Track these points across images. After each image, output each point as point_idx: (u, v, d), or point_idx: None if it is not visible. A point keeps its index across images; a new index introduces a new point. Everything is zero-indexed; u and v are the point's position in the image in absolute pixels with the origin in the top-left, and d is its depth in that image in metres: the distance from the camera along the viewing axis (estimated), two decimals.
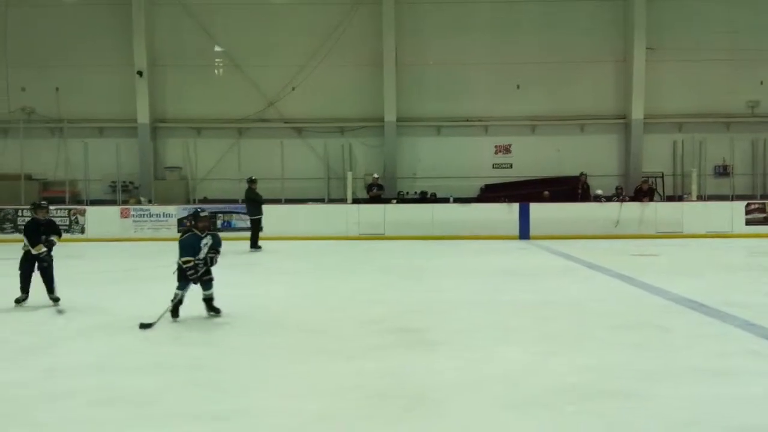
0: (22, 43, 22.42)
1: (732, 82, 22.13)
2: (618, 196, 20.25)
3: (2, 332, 7.15)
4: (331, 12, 22.38)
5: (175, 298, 7.50)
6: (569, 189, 20.77)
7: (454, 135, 22.66)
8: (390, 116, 22.19)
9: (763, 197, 21.38)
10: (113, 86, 22.57)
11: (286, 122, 22.82)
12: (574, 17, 22.45)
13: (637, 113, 22.01)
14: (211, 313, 7.74)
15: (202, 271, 7.57)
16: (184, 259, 7.49)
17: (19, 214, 19.59)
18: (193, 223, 7.78)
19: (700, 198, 20.69)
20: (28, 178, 21.81)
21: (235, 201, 20.66)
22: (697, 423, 4.26)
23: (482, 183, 22.22)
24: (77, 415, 4.49)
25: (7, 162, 21.99)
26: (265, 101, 22.69)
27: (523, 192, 20.92)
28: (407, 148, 22.74)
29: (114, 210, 20.49)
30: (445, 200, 21.00)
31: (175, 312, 7.54)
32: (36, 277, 8.50)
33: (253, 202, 17.10)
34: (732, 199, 20.70)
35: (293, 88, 22.47)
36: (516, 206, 19.78)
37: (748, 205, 19.98)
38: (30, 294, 8.49)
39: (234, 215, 20.28)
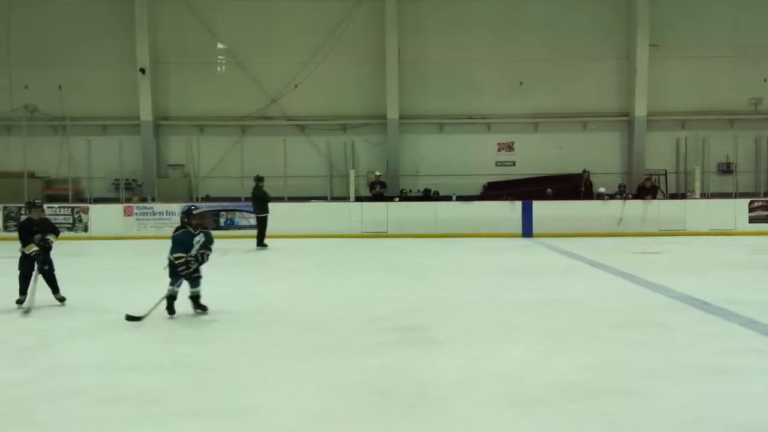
0: (24, 41, 22.48)
1: (735, 79, 22.12)
2: (621, 193, 20.22)
3: (3, 331, 7.14)
4: (333, 9, 22.40)
5: (168, 294, 7.53)
6: (572, 187, 20.78)
7: (457, 132, 22.67)
8: (393, 114, 22.21)
9: (766, 194, 21.36)
10: (116, 84, 22.63)
11: (288, 120, 22.84)
12: (577, 14, 22.47)
13: (641, 110, 22.00)
14: (198, 310, 7.76)
15: (193, 268, 7.58)
16: (176, 255, 7.50)
17: (23, 212, 19.59)
18: (186, 220, 7.77)
19: (703, 195, 20.69)
20: (32, 176, 21.87)
21: (237, 199, 20.70)
22: (700, 421, 4.25)
23: (485, 181, 22.22)
24: (79, 413, 4.48)
25: (10, 160, 22.06)
26: (267, 99, 22.71)
27: (526, 190, 20.94)
28: (410, 145, 22.74)
29: (117, 208, 20.53)
30: (448, 198, 21.00)
31: (170, 309, 7.56)
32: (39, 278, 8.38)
33: (260, 200, 17.11)
34: (735, 197, 20.69)
35: (296, 86, 22.51)
36: (519, 204, 19.79)
37: (751, 202, 19.98)
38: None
39: (237, 213, 20.30)
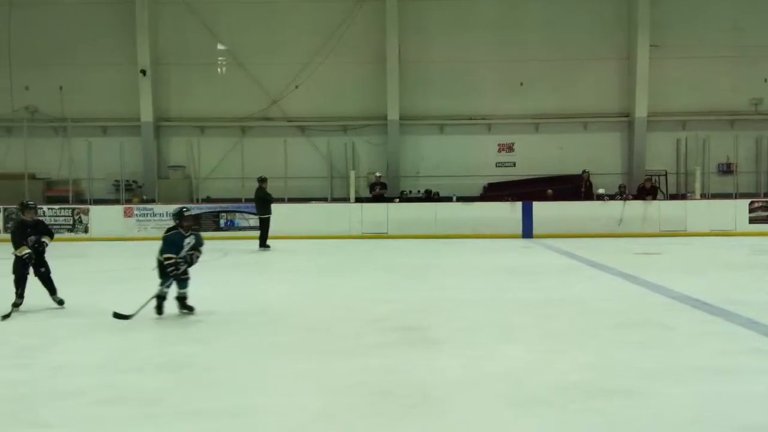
0: (25, 42, 22.47)
1: (736, 79, 22.10)
2: (621, 194, 20.21)
3: (6, 332, 7.15)
4: (334, 10, 22.40)
5: (158, 294, 7.57)
6: (572, 187, 20.76)
7: (457, 133, 22.66)
8: (393, 114, 22.21)
9: (767, 195, 21.35)
10: (117, 85, 22.63)
11: (289, 121, 22.84)
12: (578, 14, 22.45)
13: (641, 111, 21.99)
14: (184, 311, 7.79)
15: (182, 269, 7.61)
16: (166, 255, 7.54)
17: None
18: (178, 221, 7.80)
19: (703, 196, 20.65)
20: (32, 177, 21.87)
21: (238, 200, 20.71)
22: (700, 421, 4.25)
23: (485, 181, 22.21)
24: (81, 414, 4.50)
25: (10, 161, 22.07)
26: (268, 100, 22.71)
27: (526, 190, 20.91)
28: (410, 146, 22.74)
29: (117, 209, 20.52)
30: (448, 199, 21.00)
31: (159, 309, 7.60)
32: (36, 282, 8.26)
33: (263, 201, 17.11)
34: (735, 197, 20.68)
35: (296, 87, 22.51)
36: (519, 205, 19.77)
37: (751, 203, 19.96)
38: (27, 297, 8.11)
39: (237, 214, 20.30)
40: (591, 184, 20.83)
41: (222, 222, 20.30)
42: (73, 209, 20.43)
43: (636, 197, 20.05)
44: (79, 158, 21.80)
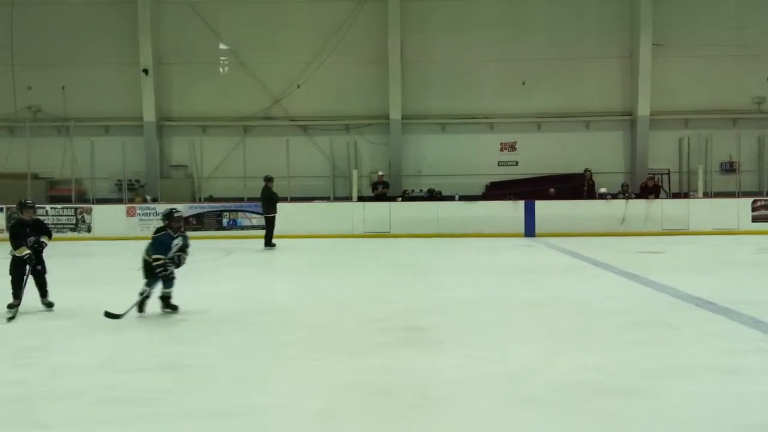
0: (27, 41, 22.48)
1: (738, 78, 22.05)
2: (624, 193, 20.18)
3: (7, 332, 7.15)
4: (336, 9, 22.38)
5: (143, 293, 7.58)
6: (575, 186, 20.73)
7: (460, 132, 22.63)
8: (395, 114, 22.19)
9: None
10: (119, 84, 22.63)
11: (291, 120, 22.83)
12: (580, 14, 22.42)
13: (643, 110, 21.95)
14: (167, 310, 7.81)
15: (170, 270, 7.64)
16: (155, 256, 7.57)
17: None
18: (167, 222, 7.80)
19: (706, 195, 20.60)
20: (35, 176, 21.88)
21: (240, 199, 20.71)
22: (704, 421, 4.24)
23: (487, 180, 22.18)
24: (82, 414, 4.49)
25: (13, 161, 22.07)
26: (270, 99, 22.70)
27: (529, 189, 20.88)
28: (412, 145, 22.72)
29: (120, 208, 20.52)
30: (451, 198, 20.98)
31: (141, 307, 7.61)
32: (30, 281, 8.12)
33: (269, 200, 17.14)
34: (738, 196, 20.64)
35: (298, 86, 22.50)
36: (521, 204, 19.75)
37: (754, 201, 19.91)
38: (26, 298, 7.99)
39: (240, 213, 20.31)
40: (593, 183, 20.81)
41: (224, 221, 20.30)
42: (76, 209, 20.44)
43: (639, 196, 20.01)
44: (81, 158, 21.80)
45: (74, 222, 20.20)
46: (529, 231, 19.48)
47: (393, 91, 22.14)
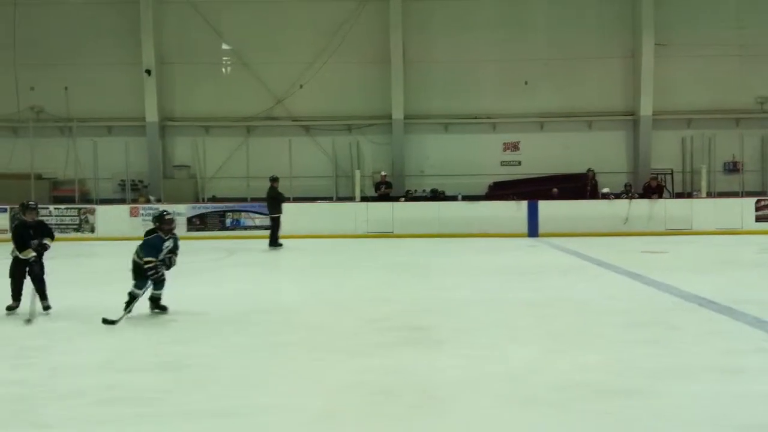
0: (30, 42, 22.52)
1: (741, 77, 22.00)
2: (627, 193, 20.15)
3: (7, 332, 7.15)
4: (338, 9, 22.38)
5: (134, 295, 7.57)
6: (578, 186, 20.71)
7: (462, 132, 22.61)
8: (397, 114, 22.19)
9: None
10: (121, 85, 22.65)
11: (294, 120, 22.84)
12: (582, 13, 22.41)
13: (646, 109, 21.91)
14: (156, 310, 7.83)
15: (161, 271, 7.66)
16: (146, 259, 7.58)
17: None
18: (158, 224, 7.81)
19: (709, 195, 20.57)
20: (38, 177, 21.90)
21: (243, 199, 20.73)
22: (705, 421, 4.22)
23: (490, 180, 22.14)
24: (82, 414, 4.49)
25: (17, 161, 22.08)
26: (272, 99, 22.72)
27: (532, 189, 20.85)
28: (415, 145, 22.71)
29: (123, 209, 20.55)
30: (454, 198, 20.97)
31: (128, 306, 7.54)
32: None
33: (274, 200, 17.18)
34: (742, 196, 20.60)
35: (301, 86, 22.50)
36: (524, 204, 19.73)
37: (758, 201, 19.86)
38: (24, 300, 7.88)
39: (243, 214, 20.32)
40: (596, 182, 20.79)
41: (228, 221, 20.32)
42: (80, 209, 20.48)
43: (642, 196, 19.98)
44: (84, 158, 21.79)
45: (78, 222, 20.24)
46: (532, 231, 19.47)
47: (395, 91, 22.14)
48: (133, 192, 22.00)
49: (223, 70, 23.25)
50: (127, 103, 22.63)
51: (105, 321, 7.14)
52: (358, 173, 21.20)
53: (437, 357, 5.81)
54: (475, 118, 22.60)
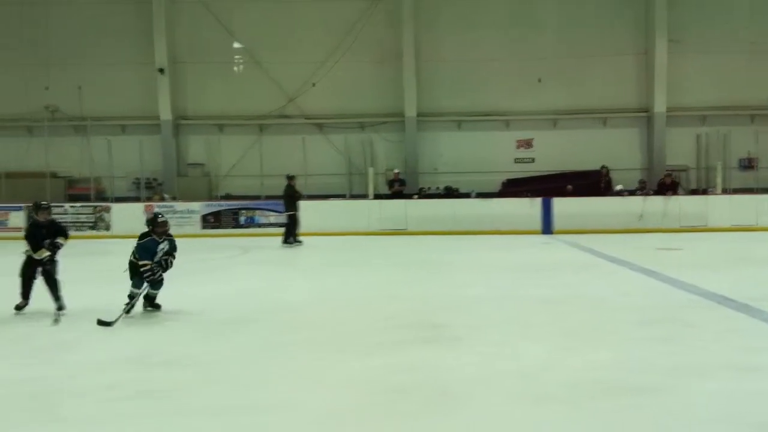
0: (44, 42, 22.68)
1: (756, 74, 21.85)
2: (641, 189, 20.05)
3: (24, 330, 7.18)
4: (350, 8, 22.41)
5: (132, 297, 7.58)
6: (592, 183, 20.61)
7: (475, 130, 22.58)
8: (410, 111, 22.19)
9: None
10: (135, 84, 22.80)
11: (306, 118, 22.89)
12: (595, 10, 22.35)
13: (660, 106, 21.81)
14: (149, 308, 7.86)
15: (158, 274, 7.69)
16: (142, 262, 7.62)
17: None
18: (151, 227, 7.83)
19: (724, 191, 20.42)
20: (54, 175, 22.08)
21: (257, 197, 20.78)
22: (719, 419, 4.20)
23: (504, 178, 22.10)
24: (97, 410, 4.53)
25: (32, 160, 22.23)
26: (285, 97, 22.77)
27: (546, 186, 20.78)
28: (428, 143, 22.70)
29: (138, 207, 20.62)
30: (467, 195, 20.94)
31: (128, 309, 7.57)
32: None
33: (290, 198, 17.26)
34: (757, 192, 20.44)
35: (313, 84, 22.55)
36: (538, 201, 19.67)
37: None
38: (38, 298, 7.85)
39: (257, 211, 20.38)
40: (610, 179, 20.68)
41: (242, 219, 20.37)
42: (95, 207, 20.61)
43: (656, 193, 19.87)
44: (99, 157, 21.93)
45: (93, 220, 20.37)
46: (546, 228, 19.41)
47: (408, 89, 22.14)
48: (147, 190, 22.12)
49: (236, 68, 23.33)
50: (140, 102, 22.77)
51: (100, 322, 7.09)
52: (371, 171, 21.20)
53: (450, 354, 5.80)
54: (488, 115, 22.56)
